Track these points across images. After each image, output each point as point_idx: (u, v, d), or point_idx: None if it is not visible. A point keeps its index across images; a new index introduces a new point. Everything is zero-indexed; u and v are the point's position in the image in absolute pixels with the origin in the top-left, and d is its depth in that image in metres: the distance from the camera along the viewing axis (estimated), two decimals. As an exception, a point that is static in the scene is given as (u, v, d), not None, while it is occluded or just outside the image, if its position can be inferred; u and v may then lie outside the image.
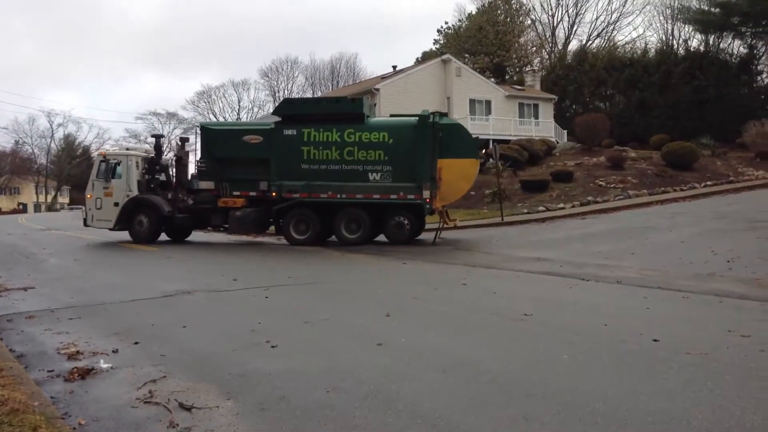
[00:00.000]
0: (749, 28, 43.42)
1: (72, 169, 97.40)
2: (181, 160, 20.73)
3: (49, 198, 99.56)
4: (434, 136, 17.29)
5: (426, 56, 56.57)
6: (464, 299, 9.12)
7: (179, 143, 21.35)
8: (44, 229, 31.58)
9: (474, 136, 18.74)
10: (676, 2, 51.55)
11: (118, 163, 19.36)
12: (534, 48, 60.87)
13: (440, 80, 40.31)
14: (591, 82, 47.73)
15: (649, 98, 43.81)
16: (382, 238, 18.32)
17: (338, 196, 17.64)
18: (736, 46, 46.88)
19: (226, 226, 18.77)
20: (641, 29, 61.69)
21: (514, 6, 59.99)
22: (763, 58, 46.46)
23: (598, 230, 17.58)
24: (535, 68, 55.70)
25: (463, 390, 4.94)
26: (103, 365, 5.88)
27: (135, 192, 19.18)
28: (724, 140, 37.25)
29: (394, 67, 45.41)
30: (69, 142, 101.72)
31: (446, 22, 62.95)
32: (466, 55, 55.33)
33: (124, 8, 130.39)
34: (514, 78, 54.02)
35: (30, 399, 4.68)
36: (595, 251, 13.65)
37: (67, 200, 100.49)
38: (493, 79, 48.63)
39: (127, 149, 22.19)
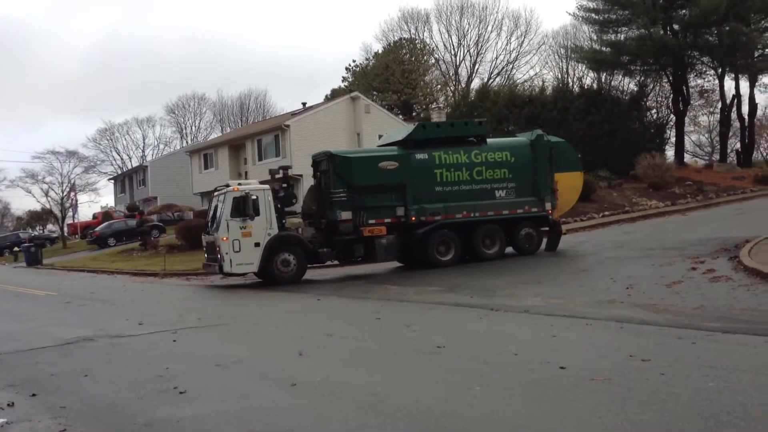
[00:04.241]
0: (638, 67, 46.39)
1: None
2: (292, 190, 18.87)
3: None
4: (550, 153, 18.86)
5: (335, 93, 57.12)
6: (379, 334, 9.13)
7: (282, 173, 18.82)
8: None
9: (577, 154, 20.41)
10: (570, 42, 54.61)
11: (256, 199, 16.78)
12: (439, 86, 62.62)
13: (350, 117, 40.75)
14: (493, 119, 49.29)
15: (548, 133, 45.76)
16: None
17: (471, 214, 18.06)
18: (626, 84, 49.94)
19: (360, 257, 17.74)
20: (538, 68, 64.56)
21: (418, 45, 61.68)
22: (652, 94, 49.72)
23: (506, 260, 18.05)
24: (441, 105, 57.16)
25: (380, 427, 4.92)
26: (-4, 421, 5.49)
27: (275, 229, 16.75)
28: (619, 172, 39.30)
29: (304, 103, 45.57)
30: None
31: (354, 61, 63.80)
32: (374, 93, 56.27)
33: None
34: (421, 115, 55.26)
35: None
36: (505, 280, 14.01)
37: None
38: (401, 116, 49.55)
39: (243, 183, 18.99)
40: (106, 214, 50.43)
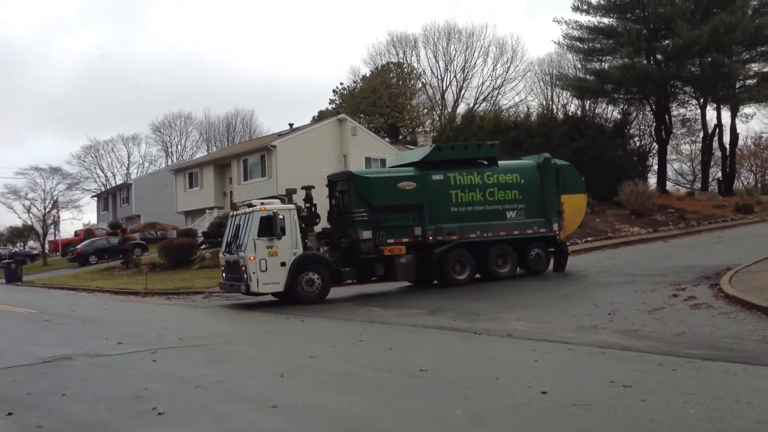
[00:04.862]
0: (621, 95, 47.09)
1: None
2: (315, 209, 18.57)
3: None
4: (557, 176, 19.48)
5: (322, 115, 57.36)
6: (361, 356, 9.09)
7: (308, 191, 18.46)
8: None
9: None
10: (555, 70, 55.35)
11: (282, 219, 16.62)
12: (425, 110, 63.10)
13: (336, 138, 40.88)
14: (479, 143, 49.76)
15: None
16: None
17: (485, 234, 18.44)
18: (610, 111, 50.62)
19: (380, 275, 17.80)
20: (523, 94, 65.26)
21: (405, 70, 62.23)
22: (635, 123, 50.40)
23: (488, 286, 18.05)
24: (427, 129, 57.60)
25: (359, 450, 4.88)
26: (-31, 441, 5.39)
27: (301, 249, 16.63)
28: (602, 199, 39.67)
29: (291, 124, 45.68)
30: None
31: (341, 83, 64.19)
32: (361, 115, 56.56)
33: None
34: (407, 138, 55.59)
35: None
36: (488, 304, 14.01)
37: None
38: (387, 139, 49.78)
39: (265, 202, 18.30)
40: (88, 232, 49.98)
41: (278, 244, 16.32)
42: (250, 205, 17.07)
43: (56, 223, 52.10)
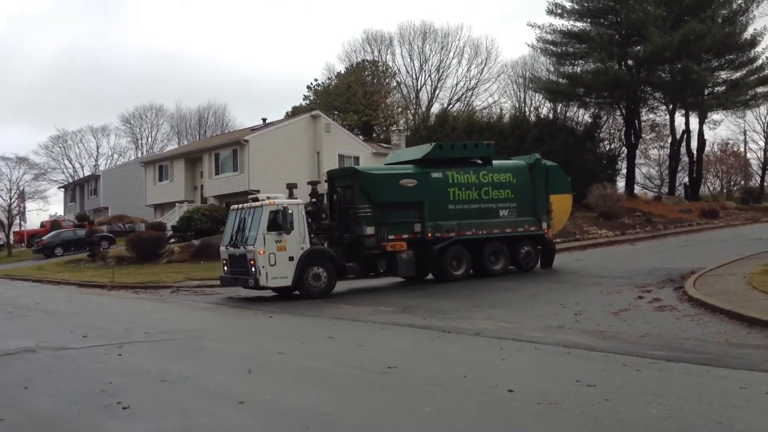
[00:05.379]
0: (593, 99, 47.63)
1: None
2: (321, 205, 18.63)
3: None
4: (546, 176, 20.15)
5: (296, 111, 57.01)
6: (331, 353, 9.07)
7: (314, 186, 18.70)
8: None
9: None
10: (528, 72, 55.81)
11: (291, 214, 16.59)
12: (400, 109, 63.13)
13: (310, 135, 40.71)
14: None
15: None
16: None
17: (480, 232, 18.89)
18: (581, 115, 51.19)
19: (380, 271, 18.20)
20: (497, 96, 65.61)
21: (380, 68, 62.17)
22: (605, 127, 51.04)
23: (455, 284, 18.14)
24: (401, 128, 57.68)
25: (326, 447, 4.88)
26: (-74, 434, 5.27)
27: (308, 244, 16.69)
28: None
29: (264, 119, 45.33)
30: None
31: (316, 79, 63.74)
32: (336, 112, 56.37)
33: None
34: (381, 136, 55.55)
35: None
36: (458, 303, 14.09)
37: None
38: (361, 137, 49.71)
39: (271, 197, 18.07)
40: (54, 223, 49.02)
41: (287, 239, 16.39)
42: (255, 200, 17.10)
43: (22, 214, 51.05)
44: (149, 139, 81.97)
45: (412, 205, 18.28)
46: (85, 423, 5.54)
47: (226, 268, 17.47)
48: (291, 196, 17.61)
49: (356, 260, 17.64)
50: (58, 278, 27.19)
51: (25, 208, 50.98)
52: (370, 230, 17.60)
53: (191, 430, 5.30)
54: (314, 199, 18.09)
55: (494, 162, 20.10)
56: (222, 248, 17.70)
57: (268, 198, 16.91)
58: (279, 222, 16.33)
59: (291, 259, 16.39)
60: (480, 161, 19.80)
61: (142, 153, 76.86)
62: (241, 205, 17.50)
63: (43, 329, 11.97)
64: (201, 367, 8.04)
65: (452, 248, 18.53)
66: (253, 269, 16.15)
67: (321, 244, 17.52)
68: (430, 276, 18.99)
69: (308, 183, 18.71)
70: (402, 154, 21.57)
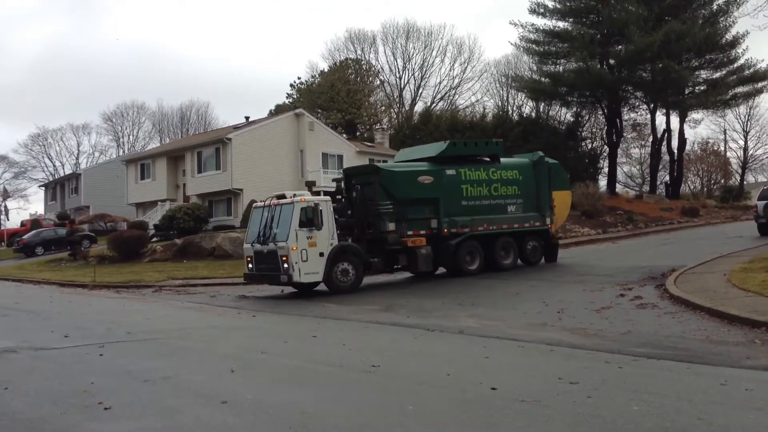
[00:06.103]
0: (575, 98, 47.99)
1: None
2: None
3: None
4: (549, 173, 20.85)
5: (279, 109, 56.82)
6: (314, 352, 9.06)
7: (338, 184, 18.92)
8: None
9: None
10: (511, 71, 56.03)
11: (321, 210, 16.75)
12: (383, 107, 63.10)
13: (293, 133, 40.59)
14: (435, 142, 50.07)
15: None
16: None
17: (490, 227, 19.42)
18: (563, 114, 51.55)
19: (398, 266, 18.54)
20: (480, 95, 65.83)
21: (364, 66, 62.09)
22: (587, 125, 51.42)
23: (439, 282, 18.22)
24: (385, 126, 57.70)
25: (309, 446, 4.87)
26: None
27: (336, 240, 16.90)
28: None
29: (247, 117, 45.12)
30: None
31: (299, 78, 63.51)
32: (319, 111, 56.22)
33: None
34: (365, 135, 55.51)
35: None
36: (441, 301, 14.12)
37: None
38: (345, 135, 49.65)
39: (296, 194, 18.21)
40: (34, 222, 48.46)
41: (317, 235, 16.54)
42: (279, 197, 17.16)
43: (5, 213, 50.42)
44: (131, 137, 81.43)
45: (428, 202, 18.73)
46: (66, 423, 5.48)
47: (251, 266, 17.49)
48: (312, 194, 17.88)
49: (379, 256, 17.97)
50: (39, 278, 26.90)
51: (5, 206, 50.36)
52: (391, 226, 17.92)
53: (173, 430, 5.26)
54: (339, 196, 18.27)
55: (502, 159, 20.64)
56: (246, 245, 17.71)
57: (294, 195, 17.12)
58: (310, 218, 16.47)
59: (321, 254, 16.59)
60: (488, 158, 20.38)
61: (123, 151, 76.26)
62: (266, 203, 17.46)
63: (23, 329, 11.84)
64: (183, 367, 7.99)
65: (467, 243, 19.01)
66: (285, 265, 16.23)
67: (346, 240, 17.62)
68: (423, 274, 19.02)
69: (333, 180, 19.19)
70: (413, 151, 22.02)
